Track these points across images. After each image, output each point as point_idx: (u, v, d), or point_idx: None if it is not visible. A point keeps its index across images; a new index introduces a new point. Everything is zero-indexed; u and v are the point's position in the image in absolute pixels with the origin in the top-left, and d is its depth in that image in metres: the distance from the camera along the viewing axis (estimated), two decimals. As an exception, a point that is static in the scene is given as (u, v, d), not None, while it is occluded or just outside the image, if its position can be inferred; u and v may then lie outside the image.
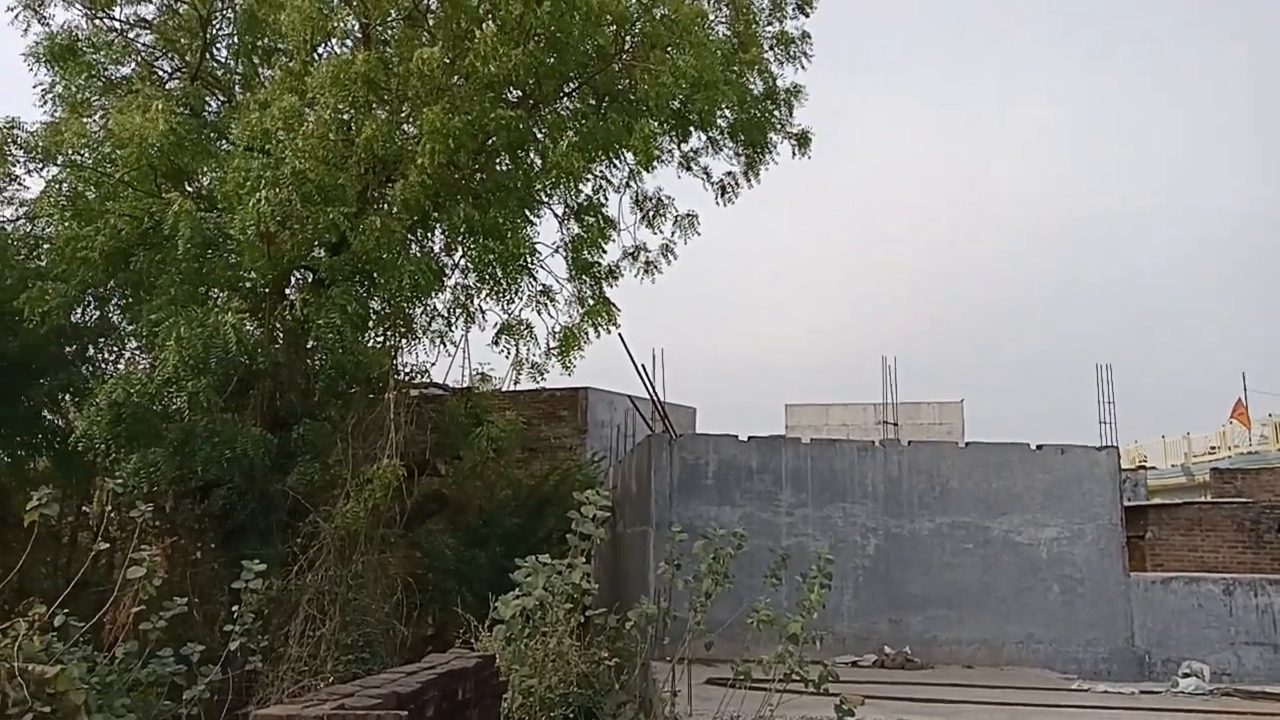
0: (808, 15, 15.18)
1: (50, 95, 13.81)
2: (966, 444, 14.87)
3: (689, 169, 15.82)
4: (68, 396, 13.88)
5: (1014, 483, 14.04)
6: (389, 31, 13.68)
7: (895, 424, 22.11)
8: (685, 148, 15.37)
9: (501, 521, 15.50)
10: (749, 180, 15.57)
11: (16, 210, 13.81)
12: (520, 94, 13.58)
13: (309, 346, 13.19)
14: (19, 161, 13.26)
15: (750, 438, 13.74)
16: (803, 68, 15.33)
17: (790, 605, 7.76)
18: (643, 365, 14.42)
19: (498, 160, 13.84)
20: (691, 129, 14.58)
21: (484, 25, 12.59)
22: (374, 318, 13.19)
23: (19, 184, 13.64)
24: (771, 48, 15.06)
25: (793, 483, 13.50)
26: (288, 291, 13.32)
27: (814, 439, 14.08)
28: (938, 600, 13.53)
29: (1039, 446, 14.32)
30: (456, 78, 12.41)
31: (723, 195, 15.77)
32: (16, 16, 13.54)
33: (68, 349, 14.33)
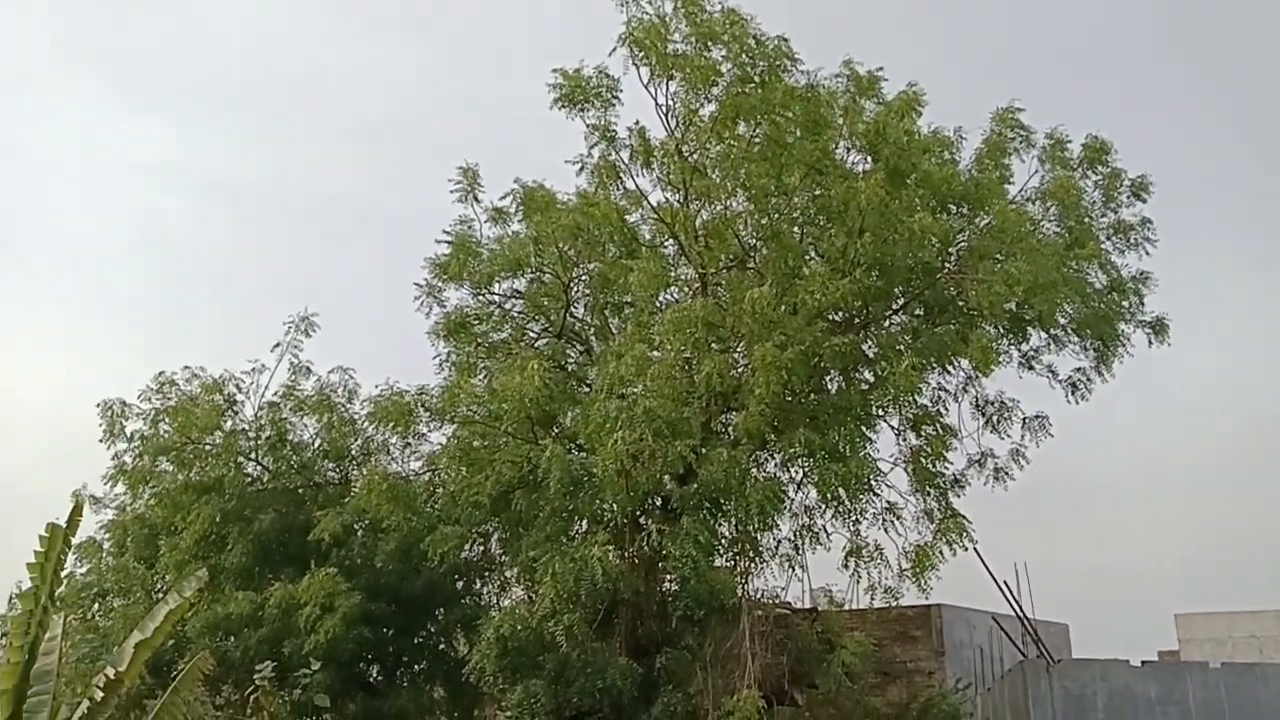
0: (1144, 200, 14.55)
1: (446, 363, 16.30)
2: None
3: (1031, 368, 15.23)
4: (459, 628, 15.38)
5: None
6: (721, 275, 14.85)
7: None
8: (1025, 347, 14.89)
9: (863, 756, 14.58)
10: (1102, 374, 14.67)
11: (421, 463, 16.13)
12: (847, 316, 14.03)
13: (662, 573, 13.77)
14: (423, 420, 15.56)
15: (1144, 663, 12.14)
16: (1147, 253, 14.60)
17: None
18: (1004, 582, 13.46)
19: (829, 380, 14.19)
20: (1030, 329, 14.19)
21: (809, 260, 13.41)
22: (723, 544, 13.56)
23: (424, 440, 15.97)
24: (1109, 238, 14.53)
25: (1205, 717, 11.61)
26: (642, 521, 14.13)
27: (1225, 663, 12.15)
28: None
29: None
30: (784, 308, 13.12)
31: (1073, 392, 14.92)
32: (421, 303, 16.29)
33: (458, 584, 16.06)
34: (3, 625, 13.07)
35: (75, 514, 7.07)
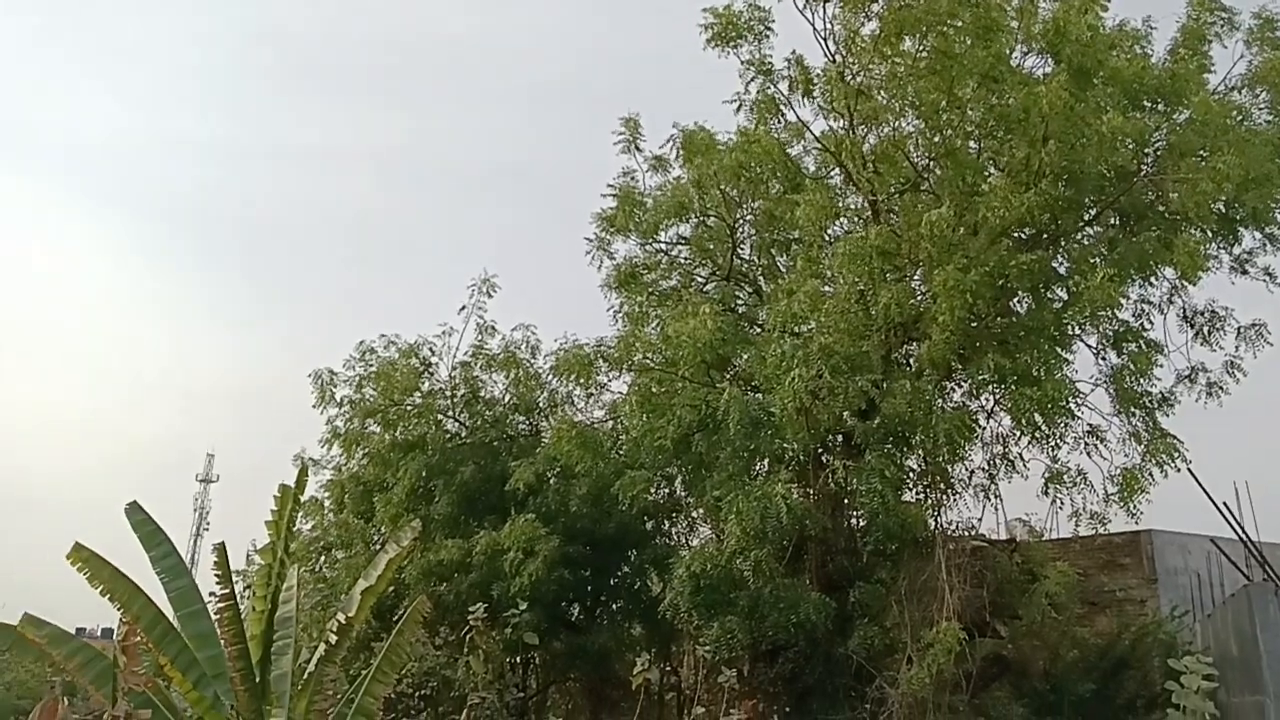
0: (1373, 74, 12.87)
1: (619, 314, 16.56)
2: None
3: (1245, 273, 13.95)
4: (652, 567, 15.87)
5: None
6: (893, 200, 14.32)
7: None
8: (1237, 250, 13.66)
9: (1072, 687, 14.01)
10: (1325, 274, 13.24)
11: (604, 412, 16.61)
12: (1034, 231, 13.25)
13: (849, 509, 13.64)
14: (603, 370, 15.98)
15: (1394, 585, 11.05)
16: (1378, 134, 12.91)
17: None
18: (1224, 503, 12.53)
19: (1017, 301, 13.49)
20: (1242, 229, 12.99)
21: (988, 176, 12.72)
22: (911, 477, 13.28)
23: (605, 389, 16.44)
24: (1331, 121, 12.97)
25: None
26: (824, 458, 14.00)
27: None
28: None
29: None
30: (963, 229, 12.52)
31: (1294, 295, 13.54)
32: (592, 258, 16.57)
33: (648, 525, 16.54)
34: (245, 579, 14.50)
35: (302, 475, 7.70)
